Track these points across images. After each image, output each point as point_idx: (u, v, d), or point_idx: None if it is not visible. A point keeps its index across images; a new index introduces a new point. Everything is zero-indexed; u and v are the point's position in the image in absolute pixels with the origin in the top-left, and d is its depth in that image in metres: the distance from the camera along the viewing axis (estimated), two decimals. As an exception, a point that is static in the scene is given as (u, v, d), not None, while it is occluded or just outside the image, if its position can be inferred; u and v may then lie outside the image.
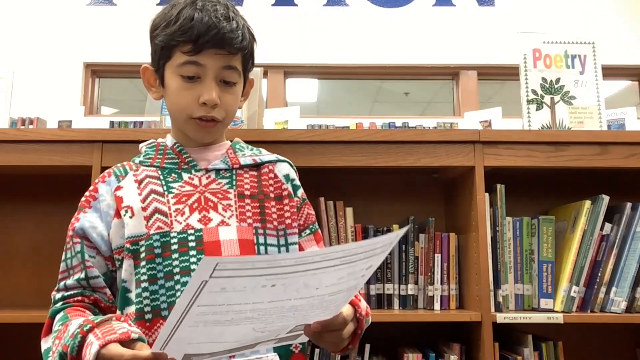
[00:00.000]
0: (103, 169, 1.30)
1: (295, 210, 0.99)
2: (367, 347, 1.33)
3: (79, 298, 0.91)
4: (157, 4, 4.71)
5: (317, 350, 1.32)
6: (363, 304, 0.88)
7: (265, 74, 4.62)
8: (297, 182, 1.04)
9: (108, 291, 0.93)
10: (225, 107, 0.95)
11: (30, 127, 3.83)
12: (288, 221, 0.97)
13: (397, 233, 0.65)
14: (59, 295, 0.92)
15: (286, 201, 0.98)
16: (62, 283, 0.93)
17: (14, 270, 1.54)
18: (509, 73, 3.02)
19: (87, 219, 0.94)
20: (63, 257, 0.95)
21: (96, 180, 0.99)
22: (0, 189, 1.56)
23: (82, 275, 0.92)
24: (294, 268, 0.60)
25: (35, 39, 4.64)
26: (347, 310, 0.81)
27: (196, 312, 0.63)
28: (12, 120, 3.73)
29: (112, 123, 4.25)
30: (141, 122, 3.98)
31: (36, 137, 1.35)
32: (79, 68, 4.67)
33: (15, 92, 1.91)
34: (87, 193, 0.98)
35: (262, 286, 0.61)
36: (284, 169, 1.03)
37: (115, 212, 0.94)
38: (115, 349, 0.73)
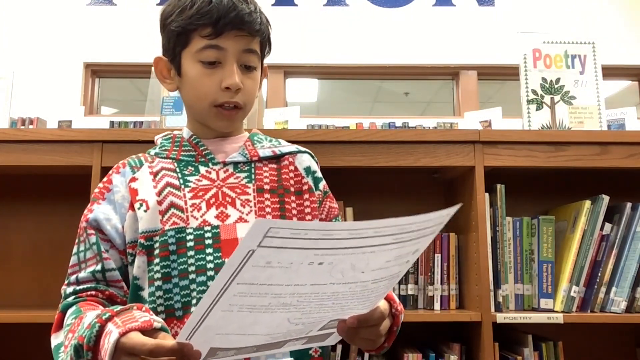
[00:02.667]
0: (103, 168, 1.31)
1: (316, 205, 0.95)
2: (367, 347, 1.33)
3: (93, 292, 0.86)
4: (157, 4, 4.71)
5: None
6: (398, 300, 0.85)
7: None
8: (319, 174, 1.00)
9: (124, 285, 0.88)
10: (246, 92, 0.92)
11: (30, 127, 3.84)
12: (308, 217, 0.93)
13: (448, 211, 0.62)
14: (69, 290, 0.87)
15: (306, 196, 0.95)
16: (73, 277, 0.88)
17: (14, 270, 1.54)
18: (509, 73, 3.03)
19: (100, 211, 0.90)
20: (74, 250, 0.90)
21: (110, 172, 0.95)
22: (0, 189, 1.56)
23: (98, 268, 0.87)
24: (346, 242, 0.56)
25: (35, 39, 4.64)
26: (383, 305, 0.77)
27: (233, 292, 0.58)
28: (12, 120, 3.73)
29: (112, 123, 4.26)
30: (141, 122, 3.98)
31: (36, 137, 1.35)
32: (79, 68, 4.67)
33: (15, 92, 1.91)
34: (100, 185, 0.93)
35: (309, 263, 0.57)
36: (305, 161, 0.99)
37: (129, 204, 0.90)
38: (137, 337, 0.67)
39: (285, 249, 0.55)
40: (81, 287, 0.87)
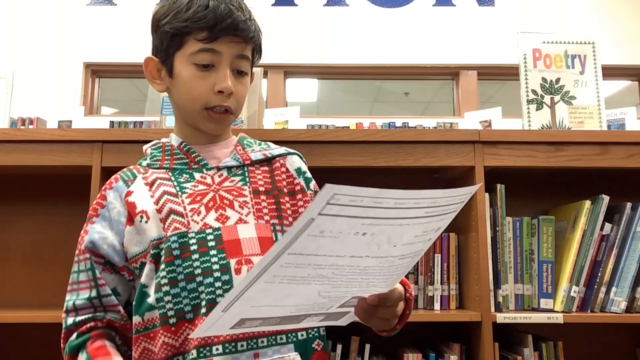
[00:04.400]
0: (103, 169, 1.31)
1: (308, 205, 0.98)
2: (367, 347, 1.33)
3: (92, 324, 0.88)
4: (157, 4, 4.71)
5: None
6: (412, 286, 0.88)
7: (265, 74, 4.61)
8: (309, 174, 1.02)
9: (121, 309, 0.90)
10: (237, 96, 0.94)
11: (30, 127, 3.83)
12: None
13: (471, 189, 0.64)
14: (70, 321, 0.88)
15: (299, 196, 0.97)
16: (70, 302, 0.90)
17: (14, 270, 1.54)
18: (509, 73, 3.02)
19: (95, 231, 0.91)
20: (72, 269, 0.92)
21: (103, 188, 0.96)
22: (0, 189, 1.56)
23: (94, 294, 0.89)
24: (390, 212, 0.59)
25: (35, 39, 4.64)
26: (400, 288, 0.80)
27: (281, 263, 0.60)
28: (12, 120, 3.73)
29: (112, 123, 4.25)
30: (141, 122, 3.98)
31: (36, 137, 1.35)
32: (79, 68, 4.67)
33: (15, 92, 1.91)
34: (94, 202, 0.94)
35: (355, 233, 0.60)
36: (296, 162, 1.01)
37: (127, 219, 0.90)
38: None
39: (339, 217, 0.57)
40: (80, 318, 0.88)
